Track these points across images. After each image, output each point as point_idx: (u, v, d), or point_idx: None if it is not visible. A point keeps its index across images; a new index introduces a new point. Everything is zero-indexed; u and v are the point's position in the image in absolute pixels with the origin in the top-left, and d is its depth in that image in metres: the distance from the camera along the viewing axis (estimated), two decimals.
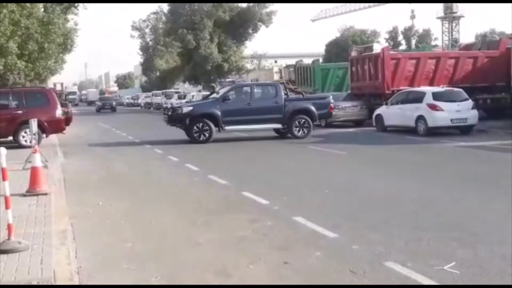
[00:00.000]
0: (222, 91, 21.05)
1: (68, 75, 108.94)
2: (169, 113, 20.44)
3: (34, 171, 9.36)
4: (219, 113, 18.80)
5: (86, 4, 24.55)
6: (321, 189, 9.53)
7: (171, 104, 37.02)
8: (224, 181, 10.63)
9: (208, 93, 27.34)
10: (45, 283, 4.82)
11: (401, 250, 5.78)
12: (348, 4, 73.79)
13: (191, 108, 19.40)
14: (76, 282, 5.06)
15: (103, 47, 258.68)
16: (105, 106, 59.16)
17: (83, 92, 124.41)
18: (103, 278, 5.23)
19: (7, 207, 6.05)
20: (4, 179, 6.11)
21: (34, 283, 4.85)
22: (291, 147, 17.19)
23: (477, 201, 8.36)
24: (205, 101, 20.70)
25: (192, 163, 13.31)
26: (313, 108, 19.70)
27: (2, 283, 4.88)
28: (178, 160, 14.34)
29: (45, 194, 9.08)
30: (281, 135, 20.15)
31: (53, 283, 4.84)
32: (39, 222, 7.18)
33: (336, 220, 7.21)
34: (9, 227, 6.00)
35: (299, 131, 19.31)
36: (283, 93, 19.61)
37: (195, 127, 18.59)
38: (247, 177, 11.36)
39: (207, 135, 18.57)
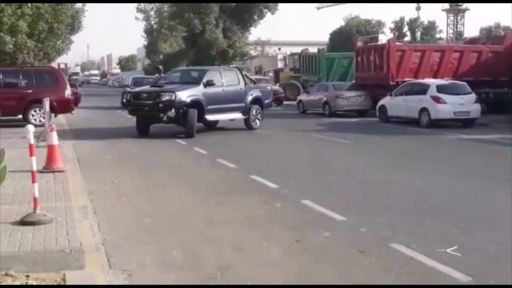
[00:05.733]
0: (171, 76, 18.61)
1: (70, 56, 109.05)
2: (151, 102, 15.79)
3: (51, 149, 9.70)
4: (205, 100, 16.25)
5: None
6: (327, 176, 9.86)
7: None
8: (232, 164, 10.95)
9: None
10: (76, 252, 5.16)
11: (405, 233, 6.12)
12: None
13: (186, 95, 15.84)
14: (102, 252, 5.39)
15: (106, 28, 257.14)
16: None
17: (86, 73, 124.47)
18: (127, 250, 5.56)
19: (33, 181, 6.38)
20: (31, 154, 6.43)
21: (67, 251, 5.19)
22: (295, 134, 17.51)
23: (478, 191, 8.69)
24: (185, 85, 16.51)
25: (199, 146, 13.65)
26: (262, 96, 18.54)
27: (32, 252, 5.22)
28: (186, 143, 14.65)
29: (61, 171, 9.43)
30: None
31: (83, 251, 5.18)
32: (59, 198, 7.52)
33: (342, 204, 7.55)
34: (34, 200, 6.33)
35: (253, 120, 18.02)
36: (243, 80, 17.85)
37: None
38: (254, 162, 11.67)
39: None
